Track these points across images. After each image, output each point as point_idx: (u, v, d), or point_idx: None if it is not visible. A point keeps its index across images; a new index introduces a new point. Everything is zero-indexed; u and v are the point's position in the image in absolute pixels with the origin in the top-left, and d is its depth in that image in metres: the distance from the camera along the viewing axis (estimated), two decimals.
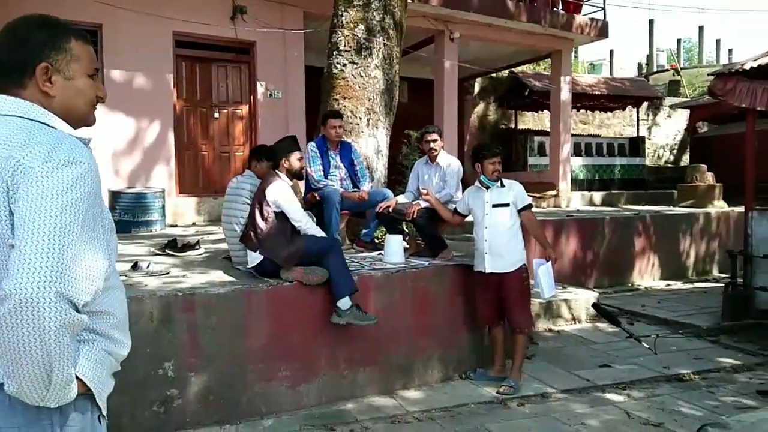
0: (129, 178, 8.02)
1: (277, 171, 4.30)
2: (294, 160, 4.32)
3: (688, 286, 8.77)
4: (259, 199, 4.17)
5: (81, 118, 1.45)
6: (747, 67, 6.22)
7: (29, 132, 1.28)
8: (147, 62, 8.08)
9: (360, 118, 5.88)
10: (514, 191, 4.58)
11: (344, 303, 4.03)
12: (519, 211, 4.57)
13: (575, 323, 6.48)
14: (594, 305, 4.15)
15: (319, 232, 4.28)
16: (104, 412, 1.40)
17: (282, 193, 4.14)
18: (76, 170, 1.24)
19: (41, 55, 1.36)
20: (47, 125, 1.33)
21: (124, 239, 6.54)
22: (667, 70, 25.83)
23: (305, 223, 4.19)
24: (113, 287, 1.44)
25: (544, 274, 4.46)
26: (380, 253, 5.15)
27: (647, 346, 4.25)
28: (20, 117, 1.31)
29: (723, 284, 6.75)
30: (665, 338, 5.46)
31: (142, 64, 8.05)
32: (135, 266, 4.38)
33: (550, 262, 4.50)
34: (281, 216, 4.14)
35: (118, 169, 7.90)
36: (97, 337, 1.38)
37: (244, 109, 9.09)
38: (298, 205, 4.24)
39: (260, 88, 8.94)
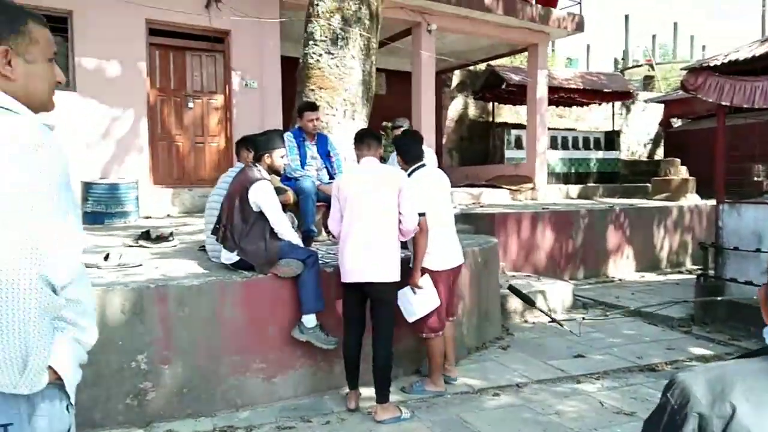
0: (102, 169, 7.88)
1: (257, 165, 4.12)
2: (277, 157, 4.14)
3: (661, 277, 8.91)
4: (240, 196, 3.97)
5: (42, 103, 1.43)
6: (718, 62, 6.31)
7: None
8: (119, 51, 7.94)
9: (336, 109, 5.83)
10: None
11: (309, 320, 3.97)
12: None
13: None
14: (509, 287, 4.05)
15: (297, 240, 4.16)
16: (72, 401, 1.37)
17: (266, 196, 3.96)
18: (44, 153, 1.23)
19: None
20: (10, 110, 1.30)
21: (96, 231, 6.42)
22: (642, 65, 26.14)
23: (284, 229, 4.05)
24: (80, 274, 1.40)
25: (402, 297, 4.09)
26: None
27: (569, 329, 4.40)
28: None
29: (695, 276, 6.86)
30: (616, 320, 5.63)
31: (114, 52, 7.91)
32: (107, 257, 4.30)
33: (408, 287, 4.08)
34: (261, 217, 3.99)
35: (90, 160, 7.75)
36: (67, 325, 1.36)
37: (219, 99, 8.97)
38: (280, 209, 4.09)
39: (235, 78, 8.83)
